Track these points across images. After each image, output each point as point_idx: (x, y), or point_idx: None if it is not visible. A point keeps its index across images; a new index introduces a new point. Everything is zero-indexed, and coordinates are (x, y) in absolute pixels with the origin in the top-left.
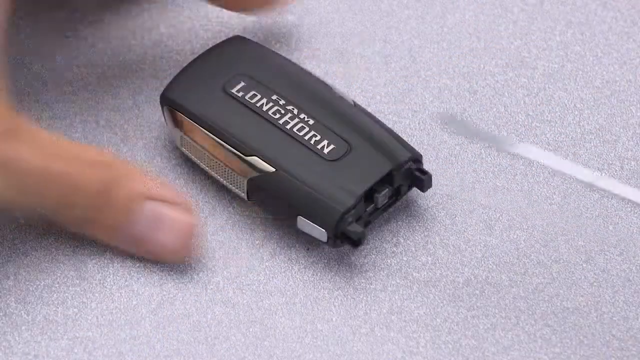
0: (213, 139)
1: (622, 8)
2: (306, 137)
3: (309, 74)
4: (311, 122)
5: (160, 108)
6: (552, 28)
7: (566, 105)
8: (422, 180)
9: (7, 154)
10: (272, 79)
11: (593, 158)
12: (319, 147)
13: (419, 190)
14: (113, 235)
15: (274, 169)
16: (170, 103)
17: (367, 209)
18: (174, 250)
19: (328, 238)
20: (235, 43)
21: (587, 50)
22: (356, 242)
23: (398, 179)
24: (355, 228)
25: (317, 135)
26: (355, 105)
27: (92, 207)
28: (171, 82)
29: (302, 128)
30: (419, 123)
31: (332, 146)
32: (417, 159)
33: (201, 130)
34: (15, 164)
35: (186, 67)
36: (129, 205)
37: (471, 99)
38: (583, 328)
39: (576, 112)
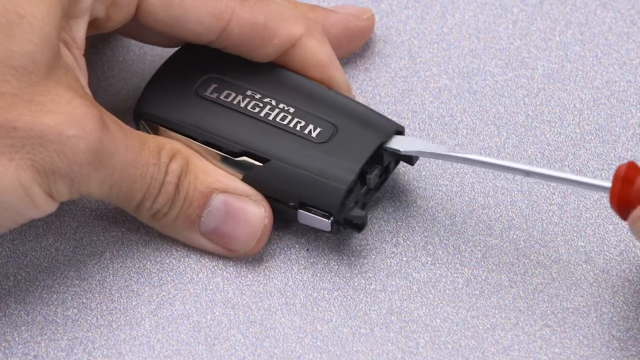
0: (199, 144)
1: (622, 8)
2: (291, 125)
3: (275, 65)
4: (292, 110)
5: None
6: (552, 28)
7: (566, 105)
8: (409, 155)
9: (107, 149)
10: (241, 76)
11: (593, 158)
12: (305, 132)
13: (418, 191)
14: (183, 229)
15: (267, 160)
16: (147, 117)
17: (361, 191)
18: (246, 241)
19: (332, 225)
20: (192, 50)
21: (587, 50)
22: (360, 227)
23: (387, 157)
24: (358, 212)
25: (301, 122)
26: (327, 85)
27: (170, 200)
28: (142, 97)
29: (285, 117)
30: (419, 123)
31: (318, 129)
32: (400, 131)
33: (184, 138)
34: (115, 160)
35: (151, 80)
36: (201, 198)
37: (471, 99)
38: (583, 328)
39: (576, 112)
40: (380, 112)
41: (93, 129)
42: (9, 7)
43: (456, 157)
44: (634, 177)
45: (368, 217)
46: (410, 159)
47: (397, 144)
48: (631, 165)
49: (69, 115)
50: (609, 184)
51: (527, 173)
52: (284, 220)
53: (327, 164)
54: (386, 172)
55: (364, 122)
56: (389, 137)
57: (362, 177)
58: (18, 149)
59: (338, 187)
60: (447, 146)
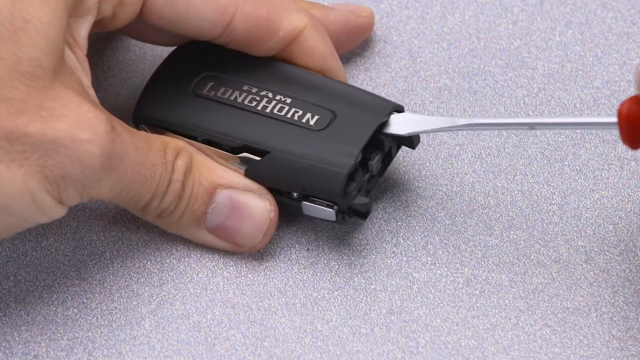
0: (200, 144)
1: (622, 8)
2: (289, 116)
3: (270, 58)
4: (288, 100)
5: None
6: (552, 28)
7: (566, 105)
8: (410, 138)
9: (118, 151)
10: (238, 71)
11: (593, 158)
12: (303, 121)
13: (418, 191)
14: (189, 226)
15: (267, 153)
16: (146, 120)
17: (365, 178)
18: (252, 236)
19: (336, 214)
20: (187, 49)
21: (587, 50)
22: (364, 214)
23: (387, 142)
24: (361, 200)
25: (298, 111)
26: (325, 76)
27: (177, 198)
28: (140, 100)
29: (282, 108)
30: None
31: (316, 117)
32: (399, 110)
33: (185, 139)
34: (126, 162)
35: (148, 83)
36: (205, 194)
37: (471, 99)
38: (583, 328)
39: (576, 112)
40: None
41: (105, 132)
42: (14, 12)
43: (459, 126)
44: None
45: (372, 205)
46: (412, 143)
47: (397, 127)
48: (633, 99)
49: (81, 119)
50: (614, 119)
51: (531, 126)
52: (284, 219)
53: (327, 151)
54: (388, 157)
55: (361, 106)
56: (386, 118)
57: (364, 163)
58: (28, 155)
59: (339, 172)
60: (448, 117)
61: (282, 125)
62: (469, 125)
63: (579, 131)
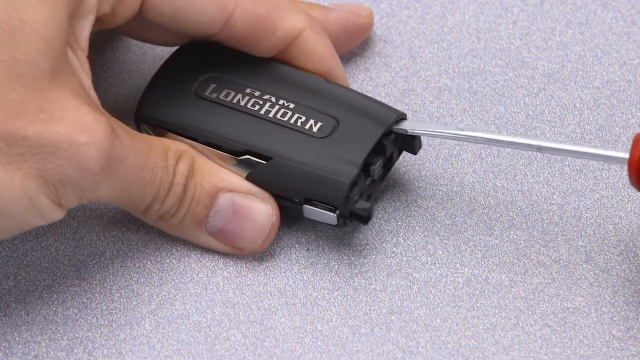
0: (201, 145)
1: (622, 8)
2: (292, 121)
3: (272, 61)
4: (292, 105)
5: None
6: (552, 28)
7: (566, 105)
8: (412, 143)
9: (118, 154)
10: (240, 74)
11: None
12: (306, 127)
13: (418, 191)
14: (190, 229)
15: (269, 158)
16: (147, 120)
17: (366, 183)
18: (253, 239)
19: (338, 219)
20: (189, 50)
21: (587, 50)
22: (365, 219)
23: (389, 147)
24: (363, 205)
25: (301, 117)
26: (328, 80)
27: (178, 201)
28: (142, 100)
29: (285, 113)
30: None
31: (319, 124)
32: (402, 118)
33: (186, 140)
34: (126, 165)
35: (150, 82)
36: (207, 198)
37: (471, 99)
38: (583, 328)
39: (576, 112)
40: None
41: (104, 135)
42: (12, 13)
43: (464, 135)
44: None
45: (373, 209)
46: (413, 148)
47: (403, 125)
48: None
49: (80, 122)
50: (626, 155)
51: (539, 148)
52: (285, 219)
53: (330, 159)
54: (389, 161)
55: (364, 113)
56: (390, 127)
57: (365, 168)
58: (27, 158)
59: (341, 181)
60: (453, 126)
61: (285, 131)
62: (473, 137)
63: (578, 131)
